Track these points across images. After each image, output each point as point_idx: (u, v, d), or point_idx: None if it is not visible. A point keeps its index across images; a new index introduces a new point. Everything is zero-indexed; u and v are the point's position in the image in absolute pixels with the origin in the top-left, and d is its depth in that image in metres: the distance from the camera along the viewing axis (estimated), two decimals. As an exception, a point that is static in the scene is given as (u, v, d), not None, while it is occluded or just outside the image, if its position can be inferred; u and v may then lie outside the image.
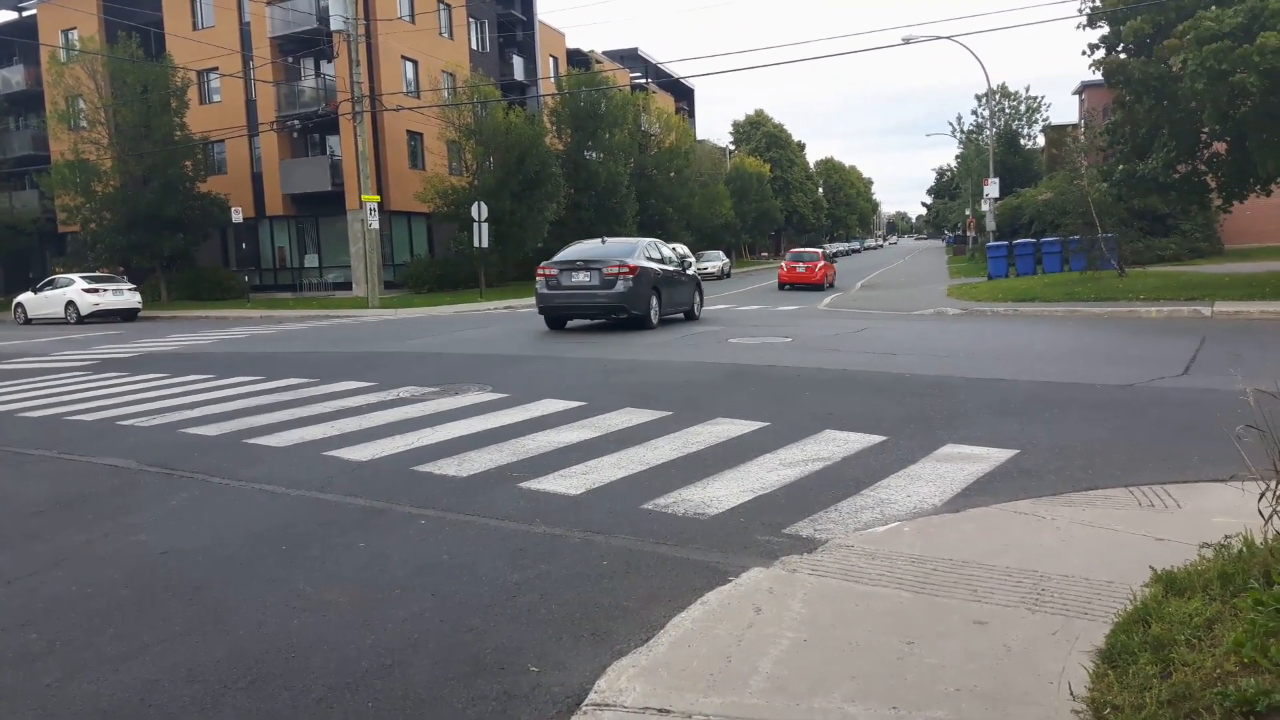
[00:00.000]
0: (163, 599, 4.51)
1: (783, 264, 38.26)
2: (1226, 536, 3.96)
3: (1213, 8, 17.75)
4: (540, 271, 17.93)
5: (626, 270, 17.06)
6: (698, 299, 20.48)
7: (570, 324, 18.84)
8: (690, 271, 21.01)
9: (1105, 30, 21.22)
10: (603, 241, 19.39)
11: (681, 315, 19.79)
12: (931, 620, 3.70)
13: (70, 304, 30.13)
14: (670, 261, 19.34)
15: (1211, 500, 5.11)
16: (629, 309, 17.19)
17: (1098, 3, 21.40)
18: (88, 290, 30.16)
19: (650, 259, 18.13)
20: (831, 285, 36.44)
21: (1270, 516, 3.62)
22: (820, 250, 40.19)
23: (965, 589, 4.00)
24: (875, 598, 3.97)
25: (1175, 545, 4.30)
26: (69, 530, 5.75)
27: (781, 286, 36.15)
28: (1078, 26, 21.53)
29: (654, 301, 17.85)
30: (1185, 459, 6.19)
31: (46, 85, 40.05)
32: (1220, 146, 21.07)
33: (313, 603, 4.37)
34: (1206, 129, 20.06)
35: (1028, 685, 3.14)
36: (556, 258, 18.28)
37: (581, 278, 17.35)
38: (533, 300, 19.65)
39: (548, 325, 18.58)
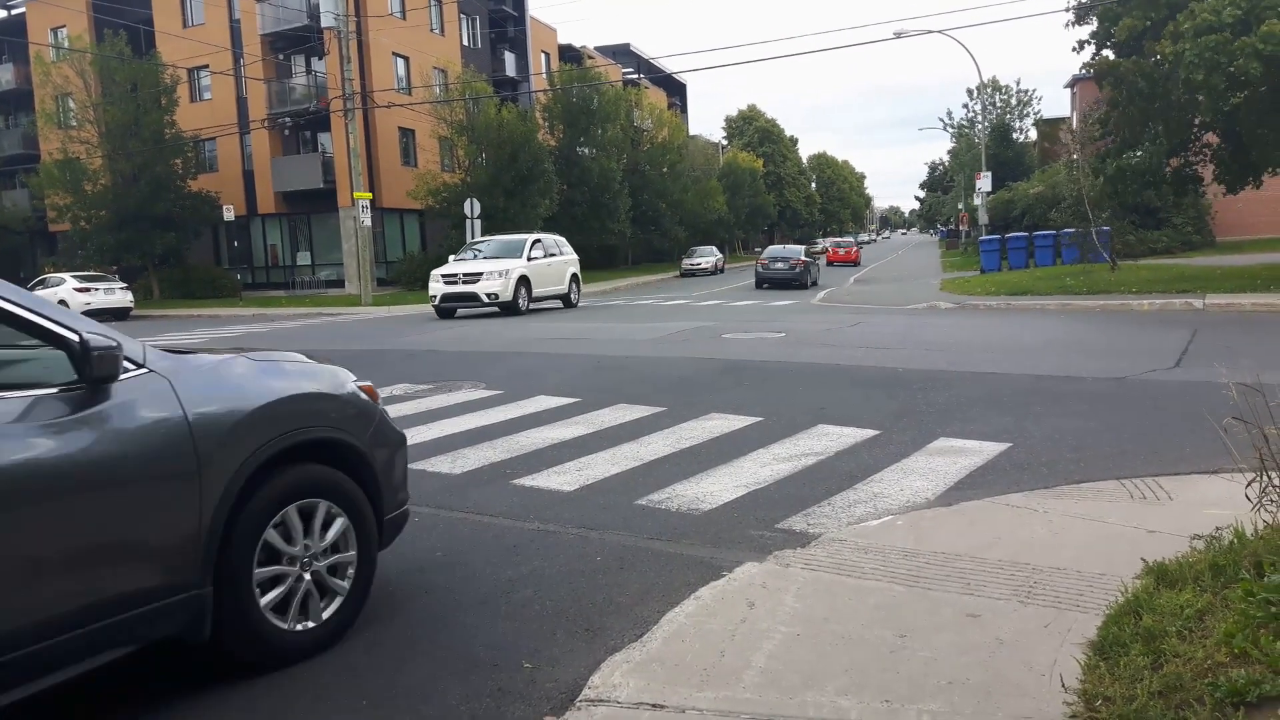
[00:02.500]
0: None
1: (829, 247, 58.58)
2: (1217, 528, 3.98)
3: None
4: (758, 261, 35.17)
5: (800, 262, 33.09)
6: (820, 274, 36.26)
7: (567, 319, 19.24)
8: (820, 261, 39.89)
9: (1094, 26, 21.20)
10: (784, 246, 39.33)
11: (814, 283, 33.42)
12: (924, 613, 3.71)
13: (62, 303, 29.96)
14: (809, 255, 35.57)
15: (1203, 492, 5.13)
16: (803, 280, 32.50)
17: None
18: (79, 289, 30.05)
19: (805, 255, 34.26)
20: (859, 263, 54.64)
21: (1259, 503, 3.64)
22: (854, 239, 68.44)
23: (958, 582, 4.01)
24: (868, 591, 3.98)
25: (1167, 537, 4.32)
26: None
27: (830, 264, 52.92)
28: (1065, 25, 21.51)
29: (808, 277, 33.06)
30: (1177, 451, 6.21)
31: (35, 84, 39.86)
32: (1212, 138, 21.09)
33: (306, 601, 4.35)
34: (1198, 121, 20.08)
35: (1020, 677, 3.15)
36: (764, 255, 35.59)
37: (779, 265, 33.32)
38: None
39: (756, 286, 33.01)
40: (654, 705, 3.09)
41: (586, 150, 46.21)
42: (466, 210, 32.77)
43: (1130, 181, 21.67)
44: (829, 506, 5.38)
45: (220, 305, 34.40)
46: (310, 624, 3.67)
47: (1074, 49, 21.66)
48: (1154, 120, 20.07)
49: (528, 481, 6.23)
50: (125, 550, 3.09)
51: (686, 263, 48.65)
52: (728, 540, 4.90)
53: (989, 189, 39.17)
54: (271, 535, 3.54)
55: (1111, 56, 20.68)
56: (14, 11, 46.58)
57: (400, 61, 40.99)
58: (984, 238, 34.28)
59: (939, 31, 33.31)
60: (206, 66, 40.11)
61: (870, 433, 7.23)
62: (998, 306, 20.00)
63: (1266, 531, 3.64)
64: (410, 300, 32.03)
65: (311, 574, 3.68)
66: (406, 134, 41.05)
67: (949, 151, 79.23)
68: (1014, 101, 67.76)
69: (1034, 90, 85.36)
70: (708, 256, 49.48)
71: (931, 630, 3.55)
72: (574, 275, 26.36)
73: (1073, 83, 52.64)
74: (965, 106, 79.53)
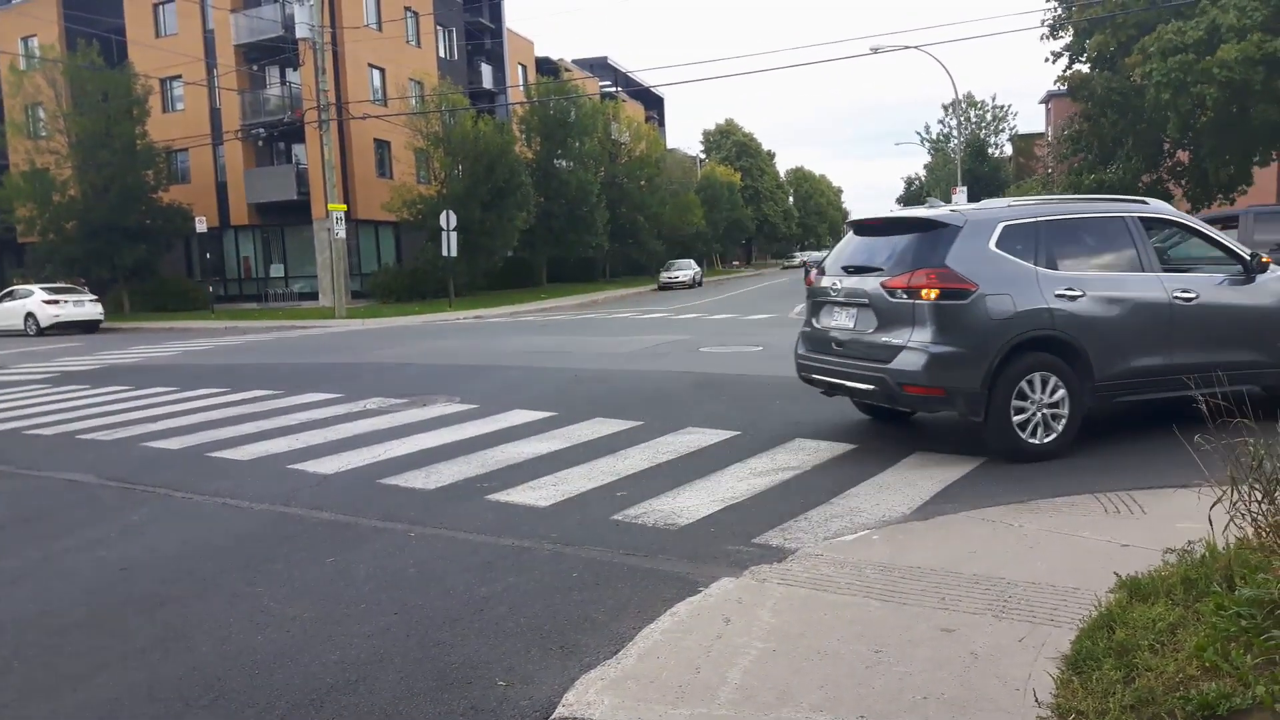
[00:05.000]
0: (123, 616, 4.43)
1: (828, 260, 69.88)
2: (1190, 542, 4.01)
3: (1173, 21, 18.10)
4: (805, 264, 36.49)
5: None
6: None
7: (544, 332, 19.27)
8: None
9: (1068, 39, 21.55)
10: (819, 253, 32.04)
11: None
12: (899, 628, 3.71)
13: (30, 315, 29.57)
14: None
15: (1176, 506, 5.16)
16: None
17: (1060, 12, 21.74)
18: (48, 301, 29.63)
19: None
20: None
21: (1229, 520, 3.67)
22: None
23: (933, 597, 4.01)
24: (844, 606, 3.97)
25: (1140, 551, 4.34)
26: (27, 547, 5.64)
27: None
28: (1041, 38, 21.84)
29: None
30: (1150, 465, 6.26)
31: (5, 94, 39.39)
32: (1183, 156, 21.44)
33: (276, 618, 4.31)
34: (1169, 140, 20.42)
35: (994, 692, 3.15)
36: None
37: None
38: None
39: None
40: (629, 723, 3.07)
41: (564, 163, 46.25)
42: (442, 222, 32.69)
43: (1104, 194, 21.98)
44: (805, 521, 5.38)
45: (192, 318, 34.05)
46: None
47: (1047, 59, 22.12)
48: (1126, 136, 20.39)
49: (503, 497, 6.19)
50: (1257, 343, 7.10)
51: (664, 276, 48.72)
52: (704, 556, 4.88)
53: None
54: None
55: (1086, 70, 21.02)
56: (-16, 20, 46.01)
57: (376, 73, 40.89)
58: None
59: (915, 48, 33.58)
60: (179, 77, 39.82)
61: (847, 447, 7.25)
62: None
63: (1237, 545, 3.67)
64: (385, 313, 31.88)
65: None
66: (382, 146, 40.90)
67: (925, 166, 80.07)
68: (989, 117, 68.62)
69: (1009, 106, 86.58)
70: (685, 270, 49.55)
71: (907, 645, 3.55)
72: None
73: (1047, 99, 53.36)
74: (941, 122, 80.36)
